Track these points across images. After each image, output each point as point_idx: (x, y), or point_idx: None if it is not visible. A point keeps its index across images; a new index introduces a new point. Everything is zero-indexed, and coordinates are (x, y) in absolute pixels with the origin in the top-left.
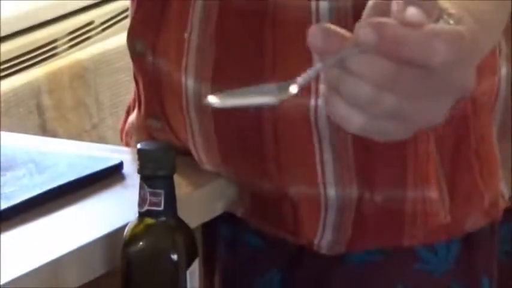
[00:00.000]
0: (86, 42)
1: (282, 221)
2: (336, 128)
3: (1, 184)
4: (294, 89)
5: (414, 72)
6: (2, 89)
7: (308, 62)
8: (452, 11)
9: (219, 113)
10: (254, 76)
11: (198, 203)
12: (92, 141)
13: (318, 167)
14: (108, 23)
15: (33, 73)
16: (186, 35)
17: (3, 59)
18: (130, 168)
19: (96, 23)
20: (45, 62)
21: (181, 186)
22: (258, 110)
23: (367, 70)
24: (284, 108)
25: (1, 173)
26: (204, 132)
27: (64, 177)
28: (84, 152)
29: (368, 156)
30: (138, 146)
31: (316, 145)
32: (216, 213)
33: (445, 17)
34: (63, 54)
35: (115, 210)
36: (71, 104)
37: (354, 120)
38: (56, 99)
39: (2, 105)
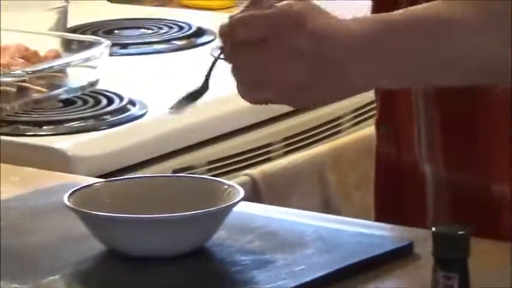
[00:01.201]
0: (370, 120)
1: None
2: None
3: (290, 262)
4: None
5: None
6: (285, 164)
7: None
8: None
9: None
10: None
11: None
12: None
13: None
14: None
15: (317, 149)
16: None
17: (288, 134)
18: (421, 249)
19: None
20: (329, 139)
21: (474, 269)
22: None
23: None
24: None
25: (290, 251)
26: (428, 132)
27: (354, 256)
28: (372, 231)
29: None
30: (433, 228)
31: None
32: None
33: None
34: (348, 130)
35: None
36: (355, 181)
37: None
38: (340, 176)
39: (287, 179)
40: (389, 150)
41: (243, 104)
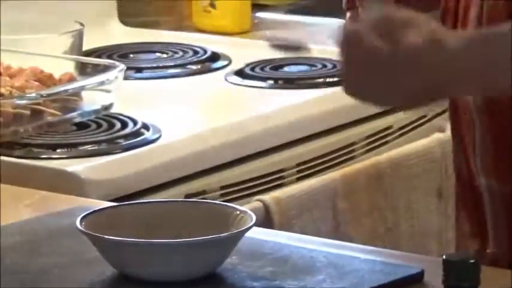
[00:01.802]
0: (383, 147)
1: None
2: None
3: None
4: None
5: None
6: (298, 190)
7: None
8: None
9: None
10: None
11: None
12: (384, 246)
13: None
14: (406, 128)
15: (329, 175)
16: None
17: (301, 160)
18: (431, 277)
19: (395, 127)
20: (342, 165)
21: None
22: None
23: None
24: None
25: (301, 277)
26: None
27: (365, 283)
28: (382, 258)
29: None
30: (444, 256)
31: None
32: None
33: None
34: (361, 157)
35: None
36: (366, 208)
37: None
38: (352, 202)
39: (299, 205)
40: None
41: (255, 130)
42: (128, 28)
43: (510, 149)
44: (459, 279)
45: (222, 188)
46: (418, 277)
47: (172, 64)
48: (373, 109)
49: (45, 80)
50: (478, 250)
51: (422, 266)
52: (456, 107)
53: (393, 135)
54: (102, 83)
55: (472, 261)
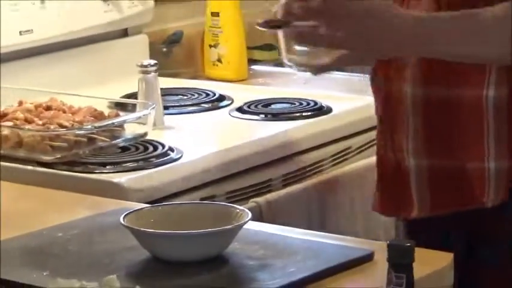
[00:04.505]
0: (345, 162)
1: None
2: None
3: (284, 265)
4: None
5: None
6: (282, 194)
7: None
8: None
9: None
10: None
11: (423, 283)
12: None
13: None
14: (362, 148)
15: (306, 183)
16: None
17: (285, 172)
18: (379, 257)
19: (353, 148)
20: (315, 176)
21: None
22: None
23: None
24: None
25: (285, 257)
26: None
27: (332, 261)
28: (345, 243)
29: None
30: (388, 242)
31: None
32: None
33: None
34: (328, 170)
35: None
36: (333, 207)
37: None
38: (322, 204)
39: (284, 206)
40: (386, 152)
41: (251, 150)
42: (159, 78)
43: (440, 132)
44: (399, 257)
45: (227, 193)
46: (370, 256)
47: (190, 103)
48: (337, 134)
49: (97, 116)
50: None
51: (373, 248)
52: (390, 99)
53: (352, 154)
54: (139, 117)
55: (408, 244)
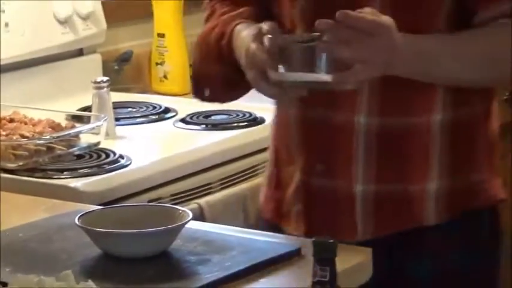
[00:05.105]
0: None
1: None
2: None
3: (222, 260)
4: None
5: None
6: (221, 196)
7: None
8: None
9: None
10: None
11: (345, 275)
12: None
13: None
14: None
15: (241, 186)
16: None
17: (223, 176)
18: (306, 252)
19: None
20: (249, 179)
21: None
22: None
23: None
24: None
25: (222, 252)
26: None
27: (263, 256)
28: (275, 240)
29: None
30: (313, 238)
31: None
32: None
33: None
34: (261, 174)
35: (295, 279)
36: None
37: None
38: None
39: (222, 206)
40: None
41: (193, 157)
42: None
43: (389, 158)
44: (323, 252)
45: (172, 195)
46: (298, 252)
47: (139, 115)
48: (269, 142)
49: (55, 127)
50: None
51: (300, 245)
52: (330, 128)
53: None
54: (93, 128)
55: (331, 241)
